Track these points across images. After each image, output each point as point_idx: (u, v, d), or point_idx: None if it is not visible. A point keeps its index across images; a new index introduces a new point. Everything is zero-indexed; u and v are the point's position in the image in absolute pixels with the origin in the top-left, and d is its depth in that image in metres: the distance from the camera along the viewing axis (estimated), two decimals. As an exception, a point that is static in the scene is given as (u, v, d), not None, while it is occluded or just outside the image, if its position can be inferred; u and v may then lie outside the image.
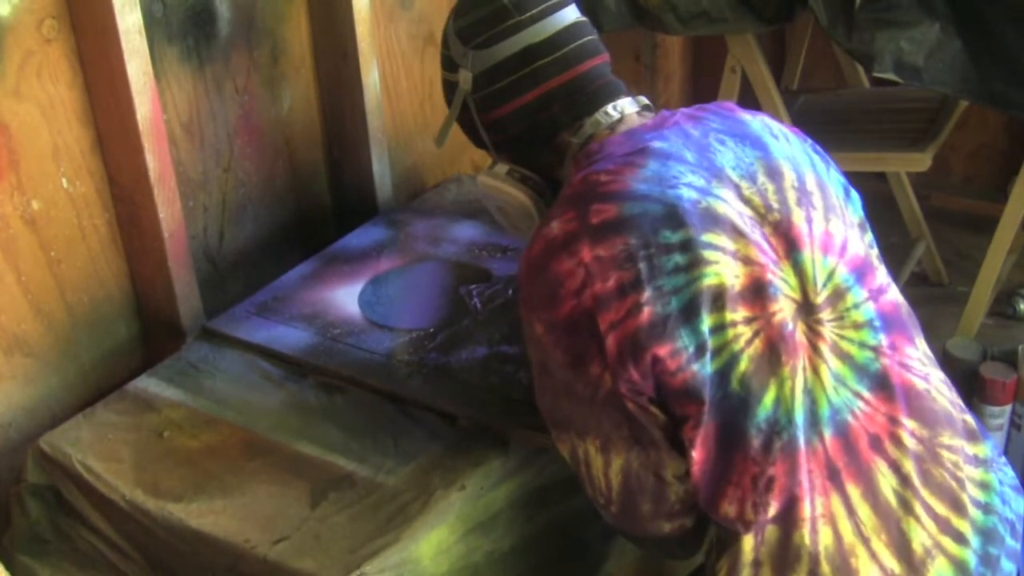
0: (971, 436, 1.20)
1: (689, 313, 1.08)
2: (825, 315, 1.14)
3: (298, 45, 1.89)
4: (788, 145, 1.25)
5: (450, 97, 1.37)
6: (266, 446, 1.37)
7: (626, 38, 2.78)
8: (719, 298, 1.09)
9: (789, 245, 1.15)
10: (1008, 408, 2.04)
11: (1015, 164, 2.31)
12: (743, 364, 1.09)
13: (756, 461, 1.09)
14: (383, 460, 1.33)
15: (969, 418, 1.22)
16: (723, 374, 1.08)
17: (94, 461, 1.36)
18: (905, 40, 2.02)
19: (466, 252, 1.78)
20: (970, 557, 1.13)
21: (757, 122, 1.28)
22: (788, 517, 1.09)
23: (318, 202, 2.00)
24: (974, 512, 1.15)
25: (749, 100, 2.37)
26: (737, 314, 1.10)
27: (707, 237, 1.11)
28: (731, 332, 1.09)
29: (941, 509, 1.13)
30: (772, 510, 1.09)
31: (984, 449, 1.21)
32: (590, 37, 1.32)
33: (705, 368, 1.08)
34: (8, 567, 1.38)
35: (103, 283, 1.63)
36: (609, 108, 1.28)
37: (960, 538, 1.13)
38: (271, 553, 1.21)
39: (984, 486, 1.18)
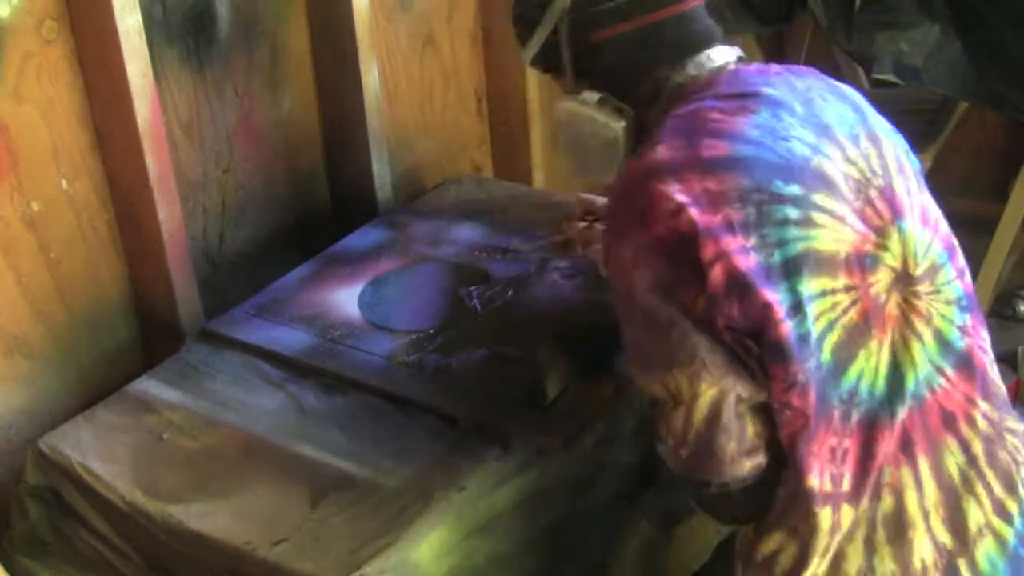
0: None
1: (790, 270, 1.06)
2: (923, 287, 1.13)
3: (298, 47, 1.89)
4: (878, 117, 1.24)
5: (535, 14, 1.28)
6: (266, 447, 1.37)
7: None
8: (822, 263, 1.07)
9: (894, 212, 1.13)
10: (1008, 409, 2.04)
11: (1015, 165, 2.32)
12: (837, 334, 1.07)
13: (835, 432, 1.08)
14: (383, 461, 1.32)
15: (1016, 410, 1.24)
16: (819, 343, 1.07)
17: (94, 462, 1.36)
18: (905, 42, 2.03)
19: (466, 253, 1.77)
20: (1011, 536, 1.14)
21: (849, 88, 1.26)
22: (857, 490, 1.08)
23: (318, 203, 2.00)
24: (1023, 493, 1.17)
25: (749, 101, 2.37)
26: (838, 282, 1.08)
27: (817, 198, 1.09)
28: (830, 300, 1.07)
29: (999, 491, 1.15)
30: (847, 483, 1.08)
31: None
32: None
33: (799, 329, 1.05)
34: (8, 568, 1.38)
35: (102, 284, 1.63)
36: (712, 52, 1.24)
37: (1008, 518, 1.15)
38: (271, 554, 1.21)
39: None
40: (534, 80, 2.25)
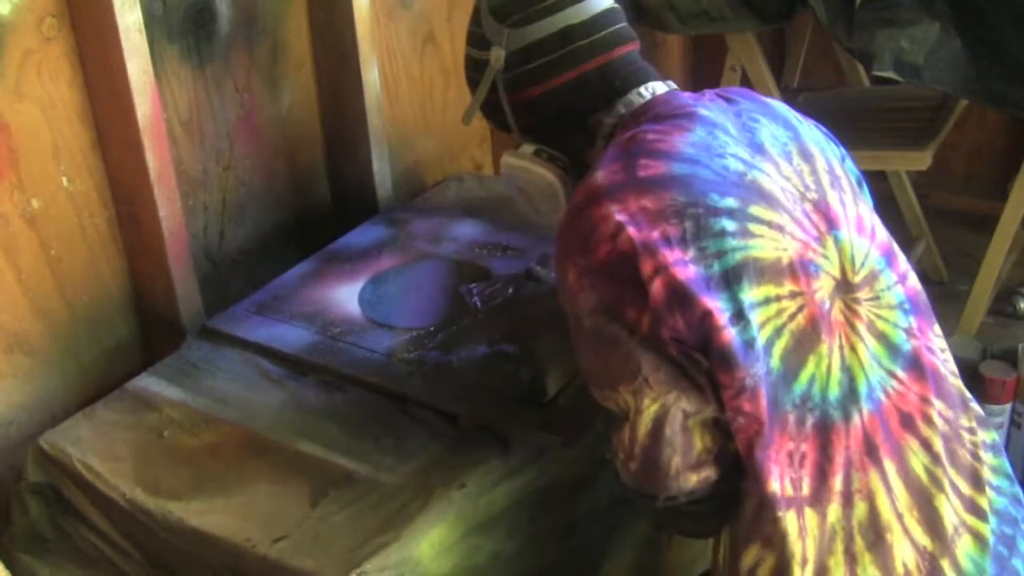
0: (981, 422, 1.23)
1: (730, 279, 1.08)
2: (863, 294, 1.16)
3: (298, 44, 1.89)
4: (811, 130, 1.28)
5: (475, 76, 1.35)
6: (266, 445, 1.37)
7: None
8: (764, 271, 1.09)
9: (829, 223, 1.17)
10: (1008, 407, 2.04)
11: (1015, 163, 2.32)
12: (785, 339, 1.09)
13: (791, 437, 1.09)
14: (383, 459, 1.32)
15: (976, 406, 1.25)
16: (767, 349, 1.08)
17: (94, 460, 1.36)
18: (905, 39, 2.03)
19: (466, 250, 1.78)
20: (989, 533, 1.14)
21: (781, 105, 1.30)
22: (819, 494, 1.09)
23: (318, 201, 2.00)
24: (990, 492, 1.17)
25: (749, 99, 2.37)
26: (783, 288, 1.10)
27: (754, 209, 1.12)
28: (775, 307, 1.09)
29: (965, 488, 1.15)
30: (807, 487, 1.09)
31: (993, 435, 1.24)
32: (624, 23, 1.33)
33: (742, 335, 1.07)
34: (8, 566, 1.38)
35: (103, 281, 1.63)
36: (641, 89, 1.29)
37: (982, 515, 1.15)
38: (271, 551, 1.21)
39: (995, 470, 1.21)
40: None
